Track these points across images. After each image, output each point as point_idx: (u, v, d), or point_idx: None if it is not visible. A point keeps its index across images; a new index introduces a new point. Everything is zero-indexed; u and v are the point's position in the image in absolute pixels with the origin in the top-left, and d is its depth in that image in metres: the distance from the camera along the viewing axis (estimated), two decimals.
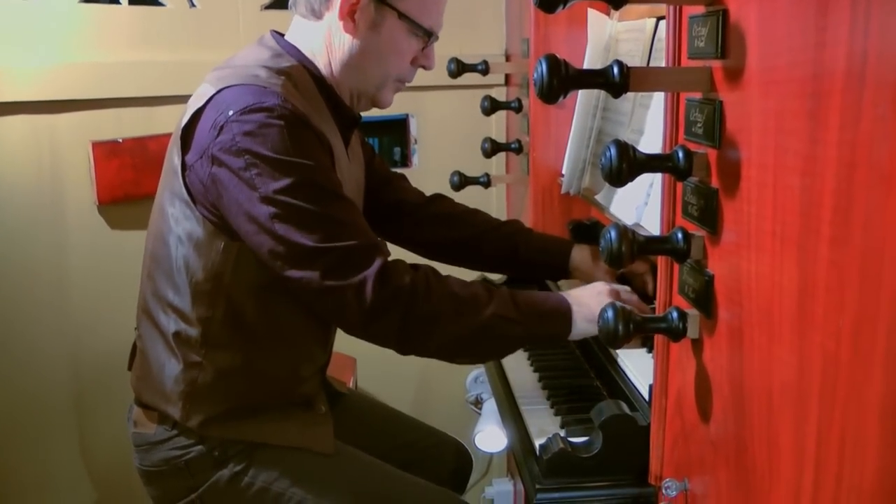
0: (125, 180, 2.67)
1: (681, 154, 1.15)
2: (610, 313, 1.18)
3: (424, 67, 1.84)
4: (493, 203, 3.07)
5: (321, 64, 1.78)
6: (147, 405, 1.82)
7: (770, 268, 0.97)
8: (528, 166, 2.46)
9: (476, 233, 2.10)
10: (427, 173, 3.00)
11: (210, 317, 1.71)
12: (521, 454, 1.53)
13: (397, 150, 3.11)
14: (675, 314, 1.20)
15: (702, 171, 1.15)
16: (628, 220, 1.71)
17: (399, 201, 2.15)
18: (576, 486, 1.41)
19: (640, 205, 1.68)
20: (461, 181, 2.50)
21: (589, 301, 1.68)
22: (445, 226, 2.13)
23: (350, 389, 2.28)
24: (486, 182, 2.56)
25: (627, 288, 1.81)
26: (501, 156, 2.97)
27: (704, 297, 1.15)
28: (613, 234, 1.15)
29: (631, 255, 1.16)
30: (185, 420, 1.75)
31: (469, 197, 2.62)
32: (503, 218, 3.01)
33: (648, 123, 1.82)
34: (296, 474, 1.80)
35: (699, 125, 1.15)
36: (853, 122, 0.79)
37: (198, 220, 1.67)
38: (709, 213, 1.13)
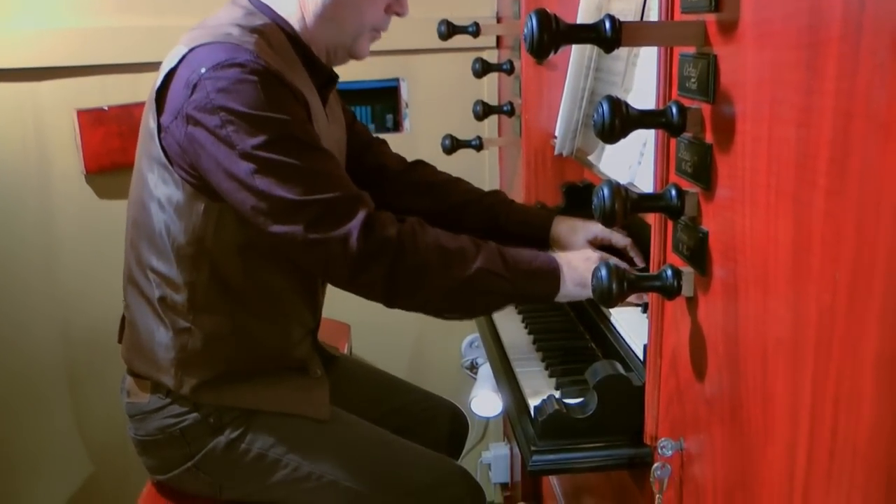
0: (112, 149, 2.65)
1: (674, 109, 1.14)
2: (604, 272, 1.17)
3: (398, 14, 1.82)
4: (485, 166, 3.06)
5: (294, 20, 1.76)
6: (139, 375, 1.82)
7: (765, 222, 0.96)
8: (521, 128, 2.45)
9: (457, 203, 2.08)
10: (419, 137, 3.00)
11: (195, 281, 1.71)
12: (516, 416, 1.53)
13: (389, 116, 3.09)
14: (669, 272, 1.19)
15: (696, 127, 1.14)
16: (621, 179, 1.70)
17: (380, 166, 2.13)
18: (571, 447, 1.41)
19: (633, 164, 1.67)
20: (453, 144, 2.48)
21: (578, 264, 1.67)
22: (426, 195, 2.11)
23: (343, 354, 2.28)
24: (478, 145, 2.55)
25: (628, 240, 1.82)
26: (494, 119, 2.95)
27: (699, 254, 1.15)
28: (606, 191, 1.14)
29: (624, 212, 1.15)
30: (179, 387, 1.75)
31: (461, 160, 2.62)
32: (496, 181, 3.03)
33: (637, 81, 1.81)
34: (292, 440, 1.80)
35: (693, 80, 1.13)
36: (850, 72, 0.78)
37: (176, 184, 1.66)
38: (703, 169, 1.12)
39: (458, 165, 2.74)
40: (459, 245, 1.65)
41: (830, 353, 0.82)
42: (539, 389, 1.57)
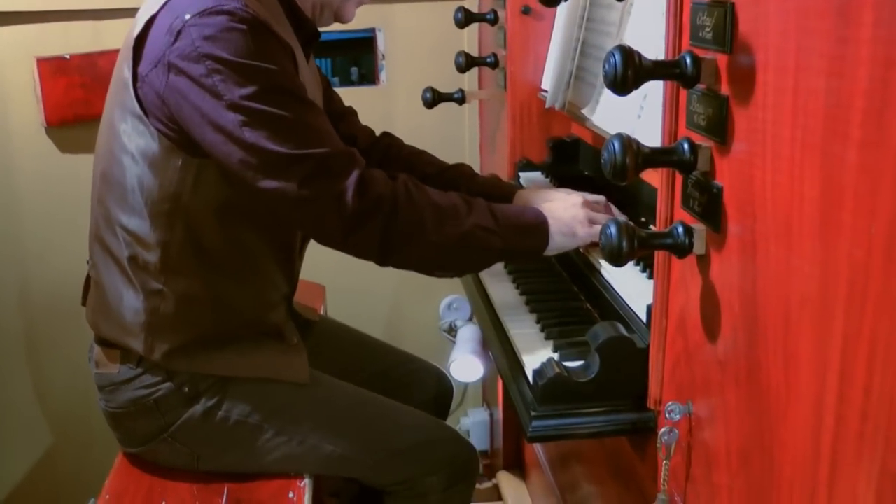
0: (74, 100, 2.61)
1: (688, 60, 1.14)
2: (613, 229, 1.17)
3: None
4: (464, 121, 3.06)
5: None
6: (107, 340, 1.80)
7: (789, 176, 0.96)
8: (505, 81, 2.44)
9: (420, 177, 2.06)
10: (396, 90, 2.99)
11: (169, 240, 1.69)
12: (513, 381, 1.53)
13: (354, 70, 3.06)
14: (680, 229, 1.19)
15: (710, 78, 1.14)
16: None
17: (352, 138, 2.12)
18: (572, 412, 1.42)
19: (632, 118, 1.66)
20: (434, 98, 2.45)
21: (562, 214, 1.70)
22: (391, 168, 2.10)
23: (321, 316, 2.27)
24: (460, 98, 2.53)
25: (601, 198, 1.81)
26: (473, 71, 2.93)
27: (712, 211, 1.15)
28: (617, 145, 1.14)
29: (636, 167, 1.15)
30: (149, 353, 1.73)
31: (440, 115, 2.61)
32: (476, 136, 3.03)
33: (632, 31, 1.80)
34: (272, 405, 1.81)
35: (707, 30, 1.13)
36: (890, 18, 0.78)
37: (153, 136, 1.64)
38: (718, 122, 1.12)
39: (436, 120, 2.75)
40: (451, 202, 1.66)
41: (864, 311, 0.82)
42: (536, 352, 1.57)
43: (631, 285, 1.60)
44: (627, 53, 1.11)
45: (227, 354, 1.78)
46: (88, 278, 1.89)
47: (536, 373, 1.44)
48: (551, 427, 1.42)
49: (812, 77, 0.91)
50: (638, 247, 1.18)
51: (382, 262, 1.66)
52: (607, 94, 1.84)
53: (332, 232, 1.60)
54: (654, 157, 1.18)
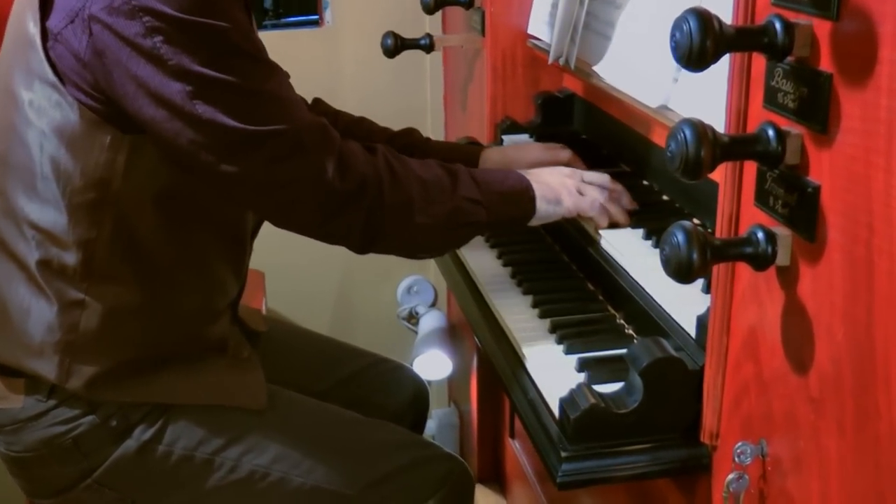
0: None
1: (778, 26, 1.05)
2: (681, 237, 1.09)
3: None
4: (426, 71, 2.98)
5: None
6: (7, 367, 1.69)
7: None
8: (483, 25, 2.34)
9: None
10: (343, 34, 2.91)
11: (94, 238, 1.59)
12: (531, 413, 1.46)
13: None
14: (760, 234, 1.12)
15: (803, 50, 1.05)
16: (649, 101, 1.61)
17: None
18: (611, 450, 1.35)
19: (666, 82, 1.57)
20: (397, 44, 2.37)
21: (549, 179, 1.71)
22: None
23: (268, 321, 2.18)
24: (427, 45, 2.44)
25: (605, 176, 1.77)
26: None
27: (804, 215, 1.08)
28: (689, 133, 1.06)
29: (712, 161, 1.07)
30: (65, 380, 1.63)
31: (393, 65, 2.55)
32: (439, 89, 2.93)
33: None
34: (225, 433, 1.73)
35: None
36: None
37: (71, 107, 1.53)
38: (816, 106, 1.04)
39: (391, 70, 2.73)
40: (434, 174, 1.65)
41: None
42: (557, 373, 1.49)
43: (667, 285, 1.51)
44: (706, 19, 1.03)
45: (166, 378, 1.69)
46: None
47: (566, 403, 1.35)
48: (586, 470, 1.35)
49: None
50: (711, 258, 1.10)
51: (362, 249, 1.64)
52: (624, 48, 1.74)
53: (309, 218, 1.58)
54: (735, 149, 1.10)
